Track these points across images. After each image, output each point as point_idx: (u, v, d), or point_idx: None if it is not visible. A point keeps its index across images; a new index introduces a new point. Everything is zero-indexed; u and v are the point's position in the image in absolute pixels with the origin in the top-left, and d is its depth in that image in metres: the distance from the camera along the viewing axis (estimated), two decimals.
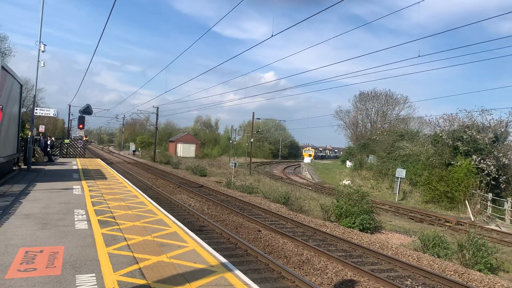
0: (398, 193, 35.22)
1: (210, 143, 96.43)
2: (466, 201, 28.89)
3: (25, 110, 39.36)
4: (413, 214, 26.96)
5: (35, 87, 23.87)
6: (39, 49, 21.18)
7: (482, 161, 31.02)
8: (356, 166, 52.13)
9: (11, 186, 13.81)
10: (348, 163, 62.31)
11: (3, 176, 16.67)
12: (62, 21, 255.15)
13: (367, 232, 17.27)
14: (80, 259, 5.97)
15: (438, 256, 14.01)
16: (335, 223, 18.22)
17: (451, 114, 38.02)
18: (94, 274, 5.36)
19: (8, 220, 8.41)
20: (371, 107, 71.87)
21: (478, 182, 30.15)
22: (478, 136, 32.43)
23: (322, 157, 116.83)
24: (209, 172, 41.94)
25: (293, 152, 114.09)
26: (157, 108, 59.33)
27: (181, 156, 74.87)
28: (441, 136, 35.63)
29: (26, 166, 21.07)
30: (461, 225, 23.27)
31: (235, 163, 32.18)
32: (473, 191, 29.63)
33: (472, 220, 26.13)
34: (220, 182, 33.13)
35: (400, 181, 35.02)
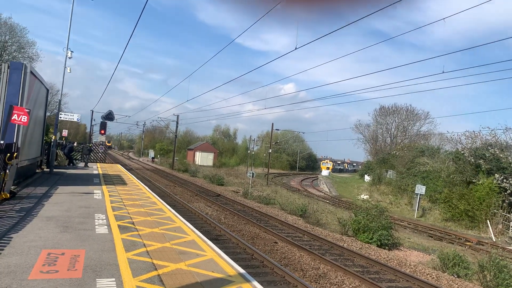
0: (417, 209, 34.64)
1: (228, 152, 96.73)
2: (488, 221, 28.23)
3: (49, 114, 40.30)
4: (432, 231, 26.45)
5: (60, 92, 24.46)
6: (66, 56, 21.73)
7: (505, 180, 30.29)
8: (375, 181, 51.55)
9: (34, 189, 14.11)
10: (367, 178, 61.66)
11: (27, 178, 17.05)
12: (87, 28, 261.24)
13: (385, 248, 17.03)
14: (100, 263, 6.05)
15: (458, 276, 13.71)
16: (352, 237, 18.02)
17: (473, 131, 37.34)
18: (114, 279, 5.43)
19: (31, 222, 8.60)
20: (392, 121, 71.12)
21: (501, 201, 29.43)
22: (501, 155, 31.73)
23: (340, 171, 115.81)
24: (227, 182, 42.04)
25: (311, 164, 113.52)
26: (177, 116, 59.98)
27: (199, 164, 75.29)
28: (463, 153, 34.99)
29: (48, 169, 21.50)
30: (482, 245, 22.70)
31: (252, 173, 32.23)
32: (495, 210, 28.93)
33: (494, 240, 25.47)
34: (237, 192, 33.17)
35: (419, 198, 34.45)
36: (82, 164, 29.98)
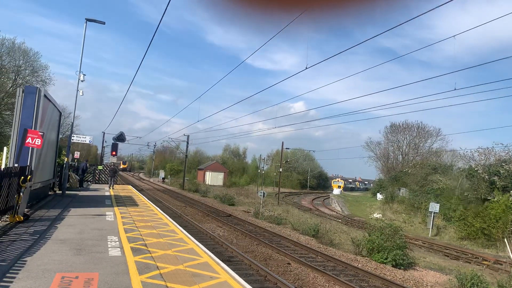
0: (432, 228, 34.05)
1: (238, 171, 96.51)
2: (505, 239, 27.61)
3: (61, 136, 40.78)
4: (448, 250, 25.92)
5: (73, 114, 24.79)
6: (79, 79, 22.08)
7: None
8: (387, 199, 50.95)
9: (47, 211, 14.17)
10: (379, 196, 60.97)
11: (40, 201, 17.15)
12: (98, 51, 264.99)
13: (400, 268, 16.70)
14: (114, 287, 6.00)
15: None
16: (366, 258, 17.71)
17: (486, 147, 36.95)
18: None
19: (45, 244, 8.59)
20: (403, 139, 70.61)
21: None
22: None
23: (352, 189, 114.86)
24: (237, 201, 41.87)
25: (322, 183, 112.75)
26: (188, 136, 60.30)
27: (209, 184, 75.23)
28: (477, 170, 34.56)
29: (61, 191, 21.62)
30: (500, 264, 22.17)
31: (263, 193, 32.04)
32: None
33: None
34: (248, 212, 32.97)
35: (433, 216, 33.90)
36: (93, 186, 30.11)
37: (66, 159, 22.39)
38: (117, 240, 9.67)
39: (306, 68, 13.87)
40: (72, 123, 24.74)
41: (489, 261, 22.79)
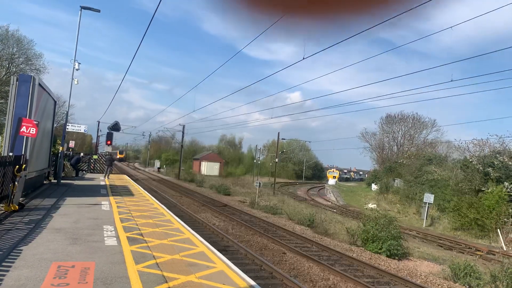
0: (426, 219, 34.29)
1: (234, 161, 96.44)
2: (498, 230, 27.88)
3: (56, 125, 40.53)
4: (441, 241, 26.14)
5: (68, 103, 24.63)
6: (74, 67, 21.88)
7: None
8: (382, 190, 51.23)
9: (43, 200, 14.13)
10: (374, 186, 61.28)
11: (35, 190, 17.09)
12: (92, 39, 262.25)
13: (394, 258, 16.82)
14: (110, 276, 6.00)
15: (470, 287, 13.51)
16: (361, 247, 17.84)
17: (481, 139, 37.11)
18: None
19: (41, 234, 8.58)
20: (398, 130, 70.87)
21: (511, 210, 29.09)
22: (510, 163, 31.46)
23: (347, 179, 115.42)
24: (233, 191, 41.93)
25: (317, 173, 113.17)
26: (183, 126, 60.10)
27: (205, 174, 75.21)
28: (471, 161, 34.73)
29: (56, 181, 21.56)
30: (493, 254, 22.40)
31: (259, 183, 32.09)
32: (505, 219, 28.58)
33: (505, 249, 25.13)
34: (244, 202, 33.05)
35: (428, 207, 34.12)
36: (88, 175, 30.03)
37: (61, 148, 22.28)
38: (113, 229, 9.67)
39: (304, 58, 13.82)
40: (67, 112, 24.58)
41: (482, 251, 23.01)
